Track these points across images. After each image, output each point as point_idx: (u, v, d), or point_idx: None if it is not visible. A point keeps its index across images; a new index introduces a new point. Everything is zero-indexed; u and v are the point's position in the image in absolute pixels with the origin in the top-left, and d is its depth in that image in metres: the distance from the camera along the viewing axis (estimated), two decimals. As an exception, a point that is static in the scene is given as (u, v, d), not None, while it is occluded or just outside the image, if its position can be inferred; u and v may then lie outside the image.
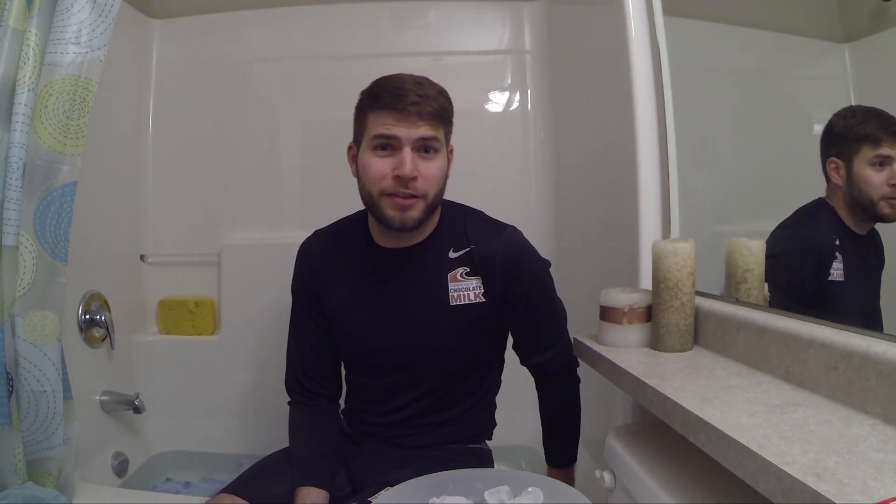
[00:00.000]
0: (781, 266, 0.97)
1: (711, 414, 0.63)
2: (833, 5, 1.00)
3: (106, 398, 1.65)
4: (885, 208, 0.87)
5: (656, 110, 1.13)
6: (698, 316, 0.94)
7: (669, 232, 1.10)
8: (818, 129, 1.03)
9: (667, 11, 1.12)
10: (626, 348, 0.96)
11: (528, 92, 1.89)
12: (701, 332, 0.94)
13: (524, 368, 1.15)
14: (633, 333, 0.96)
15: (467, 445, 1.16)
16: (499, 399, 1.22)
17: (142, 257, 1.92)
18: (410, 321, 1.07)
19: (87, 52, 1.17)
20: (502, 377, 1.21)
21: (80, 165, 1.18)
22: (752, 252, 0.91)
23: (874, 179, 0.86)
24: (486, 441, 1.21)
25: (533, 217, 1.85)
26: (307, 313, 1.14)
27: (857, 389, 0.63)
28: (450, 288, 1.06)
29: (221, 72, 1.91)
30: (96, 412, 1.64)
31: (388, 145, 0.97)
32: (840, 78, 0.97)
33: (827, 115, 0.99)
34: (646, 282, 1.06)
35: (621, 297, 0.97)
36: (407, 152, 0.95)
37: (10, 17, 1.14)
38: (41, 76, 1.15)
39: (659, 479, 0.77)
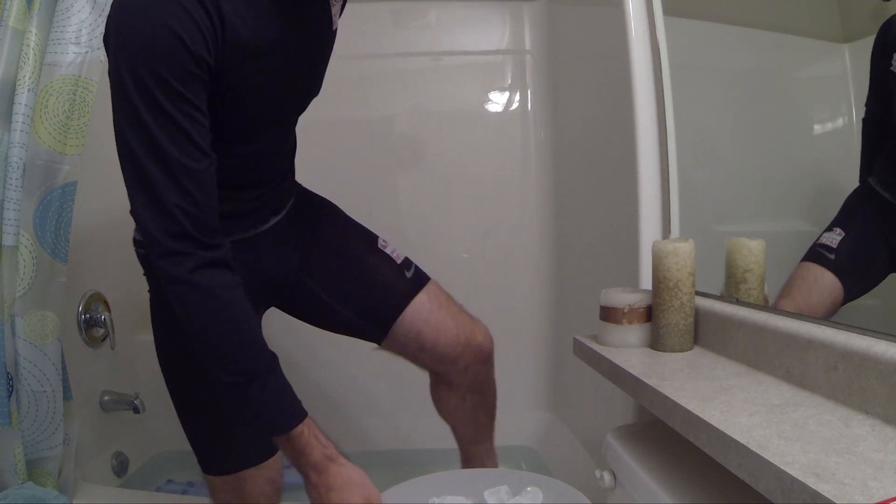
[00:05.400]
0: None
1: (711, 414, 0.63)
2: (833, 5, 0.99)
3: (106, 398, 1.66)
4: None
5: (656, 110, 1.13)
6: (698, 316, 0.94)
7: (669, 232, 1.10)
8: (818, 129, 1.03)
9: (667, 11, 1.12)
10: (626, 348, 0.96)
11: (528, 92, 1.89)
12: (701, 332, 0.94)
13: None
14: (633, 333, 0.96)
15: None
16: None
17: (142, 257, 1.91)
18: (312, 55, 0.96)
19: (87, 52, 1.17)
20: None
21: (80, 165, 1.18)
22: (752, 252, 0.91)
23: None
24: None
25: (533, 217, 1.85)
26: (194, 106, 0.79)
27: (857, 389, 0.63)
28: (332, 12, 0.95)
29: (221, 72, 1.91)
30: (96, 412, 1.64)
31: None
32: (840, 78, 0.96)
33: (827, 116, 0.99)
34: (646, 282, 1.06)
35: (621, 297, 0.97)
36: None
37: (10, 17, 1.14)
38: (41, 76, 1.15)
39: (659, 479, 0.77)
